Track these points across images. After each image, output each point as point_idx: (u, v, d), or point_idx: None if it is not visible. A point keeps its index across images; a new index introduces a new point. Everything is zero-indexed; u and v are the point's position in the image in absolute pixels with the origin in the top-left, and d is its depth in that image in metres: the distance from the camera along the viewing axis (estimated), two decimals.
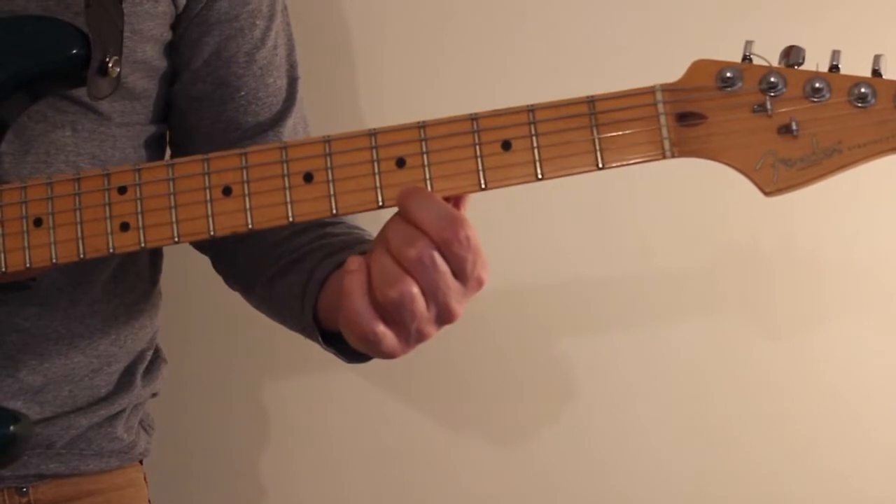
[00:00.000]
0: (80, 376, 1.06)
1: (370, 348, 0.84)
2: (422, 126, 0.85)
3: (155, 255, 1.15)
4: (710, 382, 1.54)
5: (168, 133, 1.13)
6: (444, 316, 0.82)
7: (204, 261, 1.17)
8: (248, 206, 0.86)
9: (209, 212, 0.87)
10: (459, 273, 0.81)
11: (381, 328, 0.82)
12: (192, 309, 1.56)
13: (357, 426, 1.58)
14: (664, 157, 0.83)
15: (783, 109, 0.81)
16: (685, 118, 0.82)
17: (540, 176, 0.83)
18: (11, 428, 0.94)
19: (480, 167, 0.84)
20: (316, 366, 1.55)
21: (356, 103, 1.55)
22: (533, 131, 0.83)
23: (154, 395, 1.16)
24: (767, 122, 0.81)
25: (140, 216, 0.87)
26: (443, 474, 1.57)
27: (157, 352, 1.17)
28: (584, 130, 0.83)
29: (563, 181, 0.84)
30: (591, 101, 0.83)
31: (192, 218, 0.87)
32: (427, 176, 0.84)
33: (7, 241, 0.89)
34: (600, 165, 0.83)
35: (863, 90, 0.79)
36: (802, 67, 0.81)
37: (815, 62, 0.81)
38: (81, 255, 0.88)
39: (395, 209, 0.83)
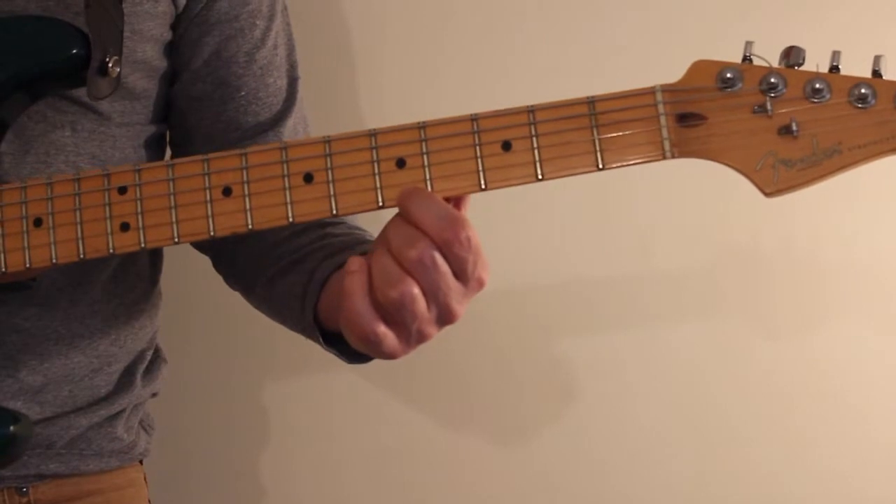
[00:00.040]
0: (80, 376, 1.06)
1: (371, 349, 0.84)
2: (422, 126, 0.84)
3: (155, 256, 1.15)
4: (710, 382, 1.54)
5: (168, 133, 1.13)
6: (444, 316, 0.82)
7: (204, 261, 1.17)
8: (248, 206, 0.86)
9: (209, 212, 0.86)
10: (460, 274, 0.81)
11: (382, 329, 0.82)
12: (192, 309, 1.56)
13: (357, 426, 1.58)
14: (664, 158, 0.83)
15: (783, 110, 0.81)
16: (685, 119, 0.82)
17: (540, 176, 0.83)
18: (11, 428, 0.94)
19: (481, 168, 0.84)
20: (316, 366, 1.55)
21: (356, 103, 1.55)
22: (533, 132, 0.83)
23: (154, 395, 1.16)
24: (768, 123, 0.81)
25: (140, 216, 0.87)
26: (443, 474, 1.57)
27: (157, 352, 1.17)
28: (585, 131, 0.83)
29: (563, 181, 0.84)
30: (591, 101, 0.83)
31: (192, 218, 0.87)
32: (427, 176, 0.84)
33: (7, 241, 0.89)
34: (600, 166, 0.83)
35: (863, 91, 0.79)
36: (803, 68, 0.81)
37: (816, 63, 0.81)
38: (81, 256, 0.88)
39: (397, 209, 0.83)
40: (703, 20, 1.49)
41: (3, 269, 0.89)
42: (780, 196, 0.81)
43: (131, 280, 1.10)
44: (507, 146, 0.83)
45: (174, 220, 0.87)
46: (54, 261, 0.88)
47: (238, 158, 0.86)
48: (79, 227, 0.88)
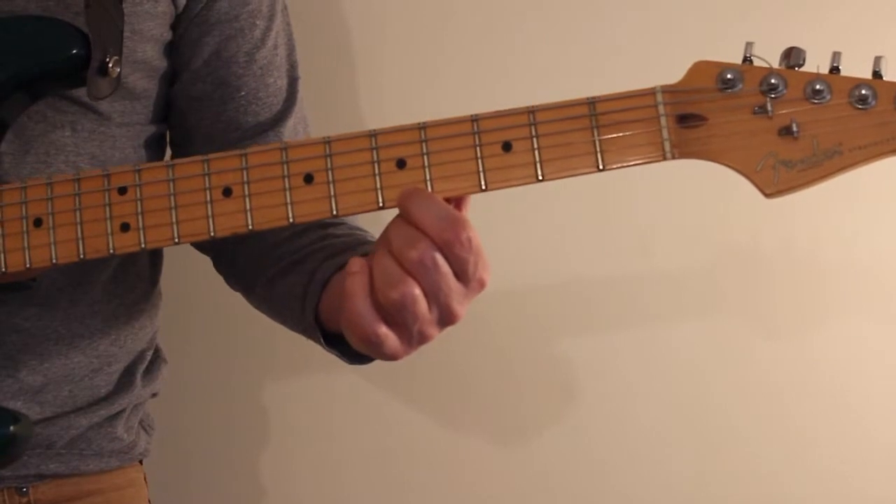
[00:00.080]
0: (80, 376, 1.06)
1: (372, 350, 0.84)
2: (422, 127, 0.84)
3: (155, 256, 1.15)
4: (710, 382, 1.54)
5: (168, 133, 1.13)
6: (445, 317, 0.82)
7: (204, 261, 1.17)
8: (248, 206, 0.86)
9: (209, 212, 0.86)
10: (461, 274, 0.81)
11: (383, 330, 0.82)
12: (192, 309, 1.56)
13: (357, 426, 1.58)
14: (665, 159, 0.83)
15: (784, 111, 0.81)
16: (686, 120, 0.82)
17: (540, 177, 0.83)
18: (11, 428, 0.94)
19: (481, 168, 0.84)
20: (316, 366, 1.55)
21: (356, 104, 1.55)
22: (533, 132, 0.83)
23: (154, 395, 1.16)
24: (768, 124, 0.81)
25: (140, 217, 0.87)
26: (443, 474, 1.57)
27: (157, 352, 1.17)
28: (585, 132, 0.83)
29: (563, 181, 0.84)
30: (591, 102, 0.83)
31: (192, 219, 0.87)
32: (427, 177, 0.84)
33: (7, 241, 0.89)
34: (601, 167, 0.83)
35: (863, 92, 0.79)
36: (803, 69, 0.81)
37: (816, 64, 0.81)
38: (81, 256, 0.88)
39: (398, 210, 0.83)
40: (704, 21, 1.49)
41: (3, 269, 0.89)
42: (781, 197, 0.82)
43: (131, 280, 1.10)
44: (507, 147, 0.83)
45: (174, 220, 0.87)
46: (54, 261, 0.88)
47: (238, 159, 0.86)
48: (79, 227, 0.88)
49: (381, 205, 0.85)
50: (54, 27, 0.93)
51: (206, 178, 0.87)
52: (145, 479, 1.16)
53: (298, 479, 1.59)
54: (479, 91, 1.52)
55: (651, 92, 0.83)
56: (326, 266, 0.98)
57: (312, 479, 1.59)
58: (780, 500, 1.53)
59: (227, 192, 0.86)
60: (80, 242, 0.88)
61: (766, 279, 1.52)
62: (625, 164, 0.83)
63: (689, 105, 0.82)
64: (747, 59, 0.82)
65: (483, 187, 0.84)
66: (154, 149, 1.10)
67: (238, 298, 1.15)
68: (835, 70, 0.81)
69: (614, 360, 1.55)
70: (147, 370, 1.13)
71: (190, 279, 1.36)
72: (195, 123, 1.09)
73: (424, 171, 0.84)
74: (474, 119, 0.84)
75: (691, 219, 1.52)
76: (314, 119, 1.15)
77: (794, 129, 0.80)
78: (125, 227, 0.87)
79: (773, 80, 0.81)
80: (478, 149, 0.84)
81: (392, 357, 0.85)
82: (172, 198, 0.87)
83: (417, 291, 0.80)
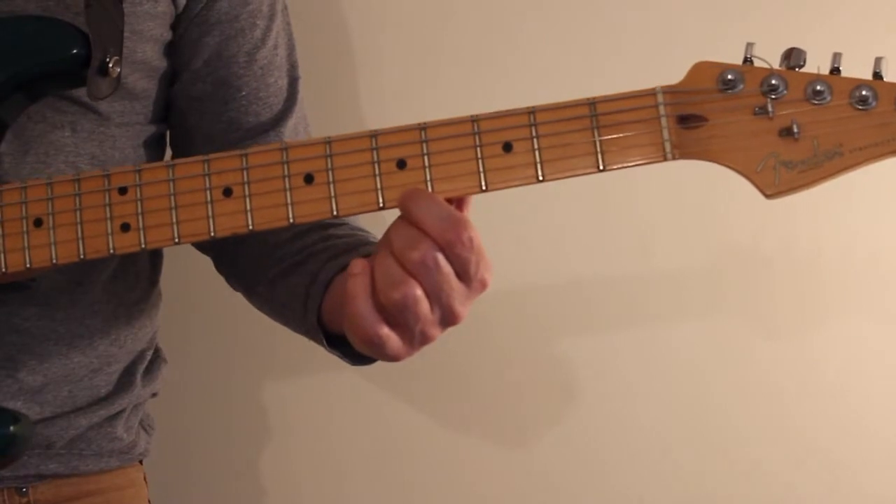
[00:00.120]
0: (79, 376, 1.06)
1: (374, 351, 0.84)
2: (423, 127, 0.84)
3: (155, 256, 1.15)
4: (710, 382, 1.54)
5: (168, 133, 1.13)
6: (447, 318, 0.82)
7: (204, 261, 1.17)
8: (248, 207, 0.86)
9: (210, 213, 0.86)
10: (463, 275, 0.81)
11: (385, 331, 0.82)
12: (192, 309, 1.56)
13: (357, 426, 1.58)
14: (665, 160, 0.83)
15: (784, 112, 0.81)
16: (686, 120, 0.82)
17: (541, 178, 0.83)
18: (11, 428, 0.94)
19: (481, 169, 0.84)
20: (316, 366, 1.55)
21: (357, 104, 1.55)
22: (534, 133, 0.83)
23: (154, 395, 1.16)
24: (768, 125, 0.81)
25: (140, 217, 0.87)
26: (443, 474, 1.57)
27: (156, 352, 1.17)
28: (585, 132, 0.83)
29: (563, 181, 0.84)
30: (592, 102, 0.83)
31: (192, 219, 0.87)
32: (428, 177, 0.84)
33: (7, 241, 0.89)
34: (601, 167, 0.83)
35: (864, 93, 0.79)
36: (803, 70, 0.81)
37: (817, 64, 0.81)
38: (81, 256, 0.88)
39: (399, 211, 0.83)
40: (704, 21, 1.49)
41: (3, 270, 0.89)
42: (781, 198, 0.82)
43: (131, 280, 1.10)
44: (507, 147, 0.83)
45: (174, 220, 0.87)
46: (54, 261, 0.88)
47: (238, 159, 0.86)
48: (79, 227, 0.88)
49: (381, 205, 0.85)
50: (54, 27, 0.93)
51: (207, 179, 0.87)
52: (145, 479, 1.16)
53: (298, 479, 1.59)
54: (479, 91, 1.52)
55: (652, 92, 0.83)
56: (329, 267, 0.98)
57: (312, 479, 1.59)
58: (781, 500, 1.53)
59: (228, 192, 0.86)
60: (81, 242, 0.88)
61: (766, 279, 1.53)
62: (625, 165, 0.83)
63: (690, 106, 0.82)
64: (748, 60, 0.82)
65: (483, 188, 0.84)
66: (154, 149, 1.10)
67: (238, 299, 1.15)
68: (835, 71, 0.81)
69: (614, 360, 1.55)
70: (147, 370, 1.13)
71: (190, 279, 1.36)
72: (195, 123, 1.09)
73: (425, 172, 0.84)
74: (474, 119, 0.84)
75: (691, 219, 1.52)
76: (314, 119, 1.15)
77: (795, 129, 0.80)
78: (125, 228, 0.87)
79: (773, 81, 0.81)
80: (478, 149, 0.84)
81: (394, 358, 0.85)
82: (173, 198, 0.87)
83: (419, 292, 0.80)
